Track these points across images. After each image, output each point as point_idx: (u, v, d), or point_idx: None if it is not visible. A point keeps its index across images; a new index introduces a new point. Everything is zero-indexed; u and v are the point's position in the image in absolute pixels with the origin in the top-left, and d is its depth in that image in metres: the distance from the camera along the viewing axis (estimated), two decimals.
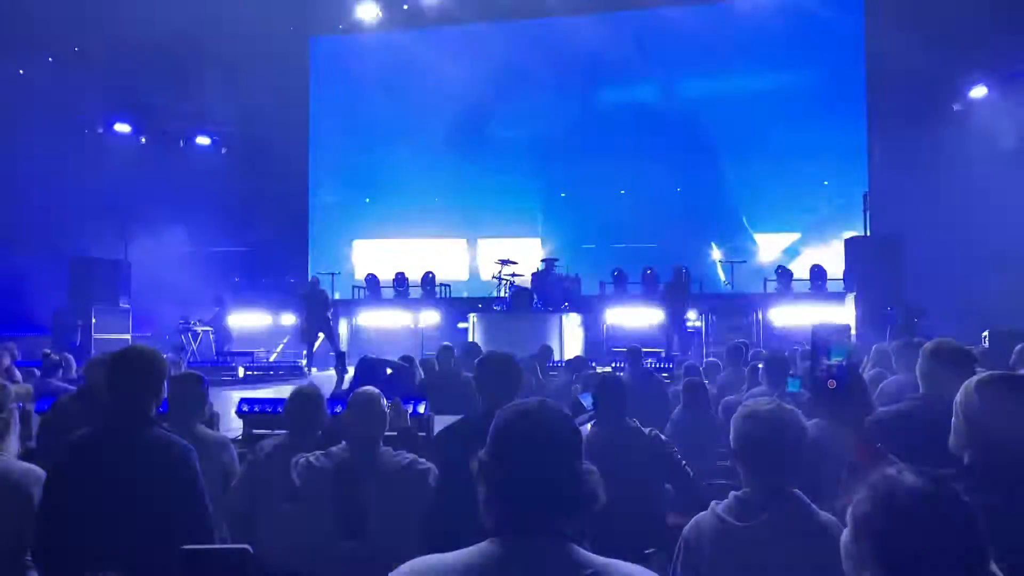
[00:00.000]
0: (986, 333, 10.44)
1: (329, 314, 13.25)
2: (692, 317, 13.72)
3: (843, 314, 13.54)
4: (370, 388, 3.65)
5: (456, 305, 15.43)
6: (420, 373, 7.73)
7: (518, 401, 1.70)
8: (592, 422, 4.28)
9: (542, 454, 1.56)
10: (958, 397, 2.21)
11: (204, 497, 2.93)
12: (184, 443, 2.96)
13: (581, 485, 1.56)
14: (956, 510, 1.41)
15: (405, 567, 1.58)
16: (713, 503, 2.44)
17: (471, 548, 1.57)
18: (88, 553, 2.77)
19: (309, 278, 14.37)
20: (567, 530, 1.56)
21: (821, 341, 3.41)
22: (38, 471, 3.02)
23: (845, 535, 1.50)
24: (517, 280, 14.32)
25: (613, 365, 11.14)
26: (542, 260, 14.83)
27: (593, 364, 10.25)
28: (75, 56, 15.81)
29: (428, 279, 15.87)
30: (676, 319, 12.88)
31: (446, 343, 8.67)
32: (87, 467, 2.84)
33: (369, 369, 7.42)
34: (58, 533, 2.81)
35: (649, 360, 10.90)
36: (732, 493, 2.44)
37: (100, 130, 16.91)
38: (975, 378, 2.21)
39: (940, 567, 1.37)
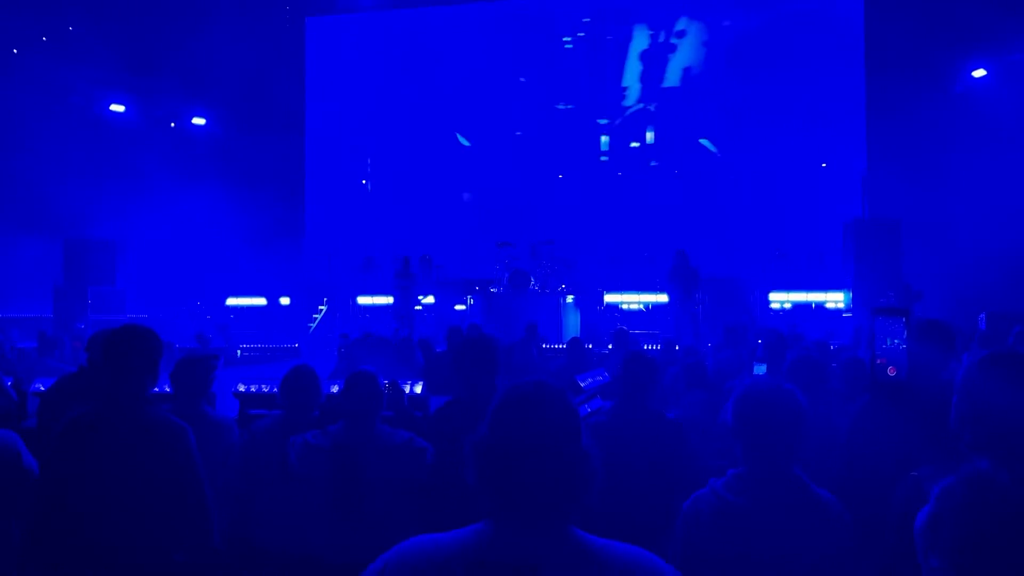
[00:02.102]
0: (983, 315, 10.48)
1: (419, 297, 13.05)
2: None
3: (841, 297, 13.57)
4: (367, 367, 3.64)
5: (453, 286, 15.40)
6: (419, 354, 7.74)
7: (518, 381, 1.67)
8: (611, 403, 4.15)
9: (538, 434, 1.54)
10: (960, 375, 2.19)
11: (201, 477, 2.92)
12: (180, 423, 2.96)
13: (578, 466, 1.54)
14: None
15: (399, 547, 1.57)
16: (712, 480, 2.44)
17: (466, 529, 1.55)
18: (85, 532, 2.77)
19: (402, 258, 13.97)
20: (565, 511, 1.54)
21: (881, 325, 3.20)
22: (13, 435, 3.04)
23: (923, 518, 1.49)
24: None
25: (610, 347, 11.15)
26: (540, 242, 14.79)
27: (589, 346, 10.25)
28: (69, 36, 15.69)
29: (425, 260, 15.83)
30: (684, 304, 12.61)
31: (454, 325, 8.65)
32: (83, 446, 2.84)
33: (362, 349, 7.43)
34: (54, 512, 2.80)
35: (649, 344, 10.89)
36: (730, 471, 2.44)
37: (95, 110, 16.80)
38: (979, 356, 2.19)
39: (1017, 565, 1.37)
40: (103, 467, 2.80)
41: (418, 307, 14.43)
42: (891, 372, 3.18)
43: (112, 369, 2.95)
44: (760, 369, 5.23)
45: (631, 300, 14.53)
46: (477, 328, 9.15)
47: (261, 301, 16.44)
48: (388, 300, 14.71)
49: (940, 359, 3.39)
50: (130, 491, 2.78)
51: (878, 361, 3.21)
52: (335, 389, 4.28)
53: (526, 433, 1.54)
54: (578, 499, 1.54)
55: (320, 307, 16.32)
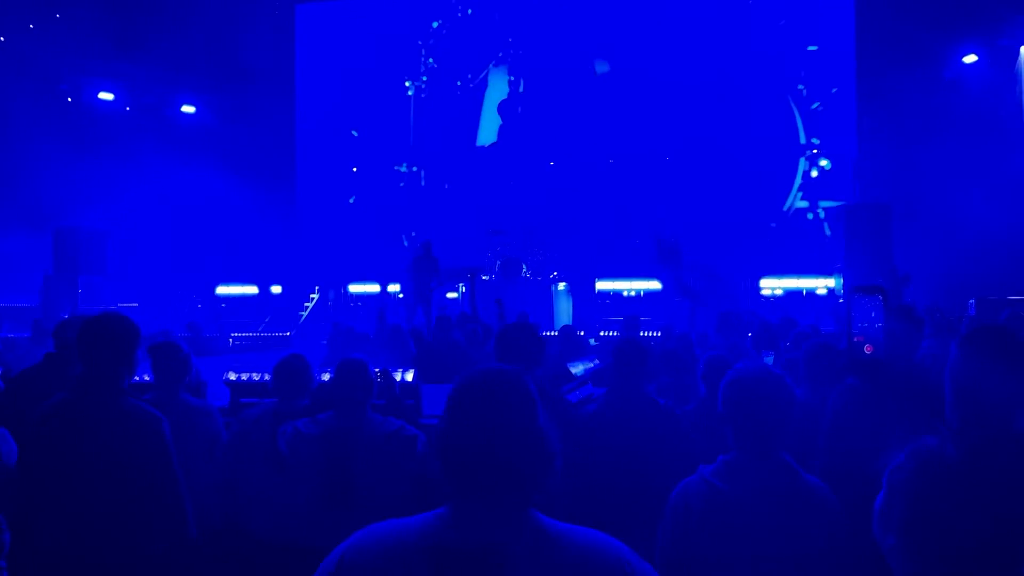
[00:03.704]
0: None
1: (433, 283, 12.20)
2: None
3: (831, 282, 13.60)
4: (357, 355, 3.63)
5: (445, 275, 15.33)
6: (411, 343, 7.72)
7: (475, 367, 1.66)
8: (605, 390, 4.04)
9: (492, 417, 1.53)
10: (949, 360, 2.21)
11: (174, 467, 2.91)
12: (154, 412, 2.94)
13: (535, 448, 1.53)
14: (989, 484, 1.41)
15: (358, 534, 1.57)
16: (701, 467, 2.44)
17: (427, 514, 1.55)
18: (58, 522, 2.78)
19: (421, 242, 13.02)
20: (524, 494, 1.53)
21: (856, 304, 3.24)
22: None
23: (879, 500, 1.50)
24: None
25: (602, 333, 11.17)
26: (531, 230, 14.78)
27: (580, 333, 10.26)
28: (57, 24, 15.55)
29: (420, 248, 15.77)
30: (675, 288, 12.42)
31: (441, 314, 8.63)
32: (55, 436, 2.83)
33: (342, 337, 7.41)
34: (34, 500, 2.81)
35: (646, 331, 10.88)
36: (720, 457, 2.43)
37: (84, 98, 16.68)
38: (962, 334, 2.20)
39: (964, 536, 1.37)
40: (75, 457, 2.79)
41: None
42: (868, 350, 3.21)
43: (86, 358, 2.93)
44: (768, 359, 5.21)
45: (623, 287, 14.54)
46: (468, 316, 9.12)
47: (252, 289, 16.40)
48: (376, 288, 14.68)
49: (913, 339, 3.45)
50: (103, 481, 2.77)
51: (855, 339, 3.24)
52: (326, 377, 4.27)
53: (481, 416, 1.53)
54: (537, 481, 1.53)
55: (312, 295, 16.30)
